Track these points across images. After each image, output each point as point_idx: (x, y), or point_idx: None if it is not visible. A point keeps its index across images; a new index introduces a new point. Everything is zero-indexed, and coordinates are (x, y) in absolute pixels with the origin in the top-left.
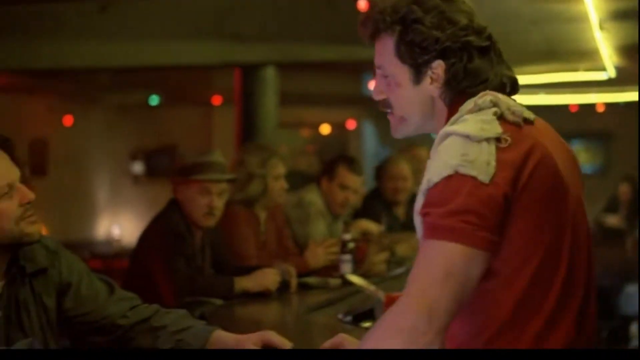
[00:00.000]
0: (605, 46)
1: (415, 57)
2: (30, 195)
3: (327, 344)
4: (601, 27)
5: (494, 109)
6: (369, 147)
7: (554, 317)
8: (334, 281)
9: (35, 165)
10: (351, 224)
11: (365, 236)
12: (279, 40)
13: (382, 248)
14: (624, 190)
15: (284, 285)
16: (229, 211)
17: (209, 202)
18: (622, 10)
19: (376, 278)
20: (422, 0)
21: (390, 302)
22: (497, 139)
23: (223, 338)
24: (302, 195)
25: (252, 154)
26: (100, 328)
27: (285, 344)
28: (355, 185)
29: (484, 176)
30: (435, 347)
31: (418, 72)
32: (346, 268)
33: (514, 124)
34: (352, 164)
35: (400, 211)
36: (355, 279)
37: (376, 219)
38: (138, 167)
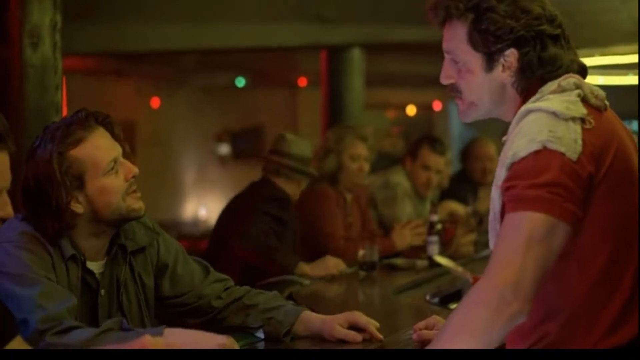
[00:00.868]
0: None
1: (489, 46)
2: (135, 170)
3: (421, 324)
4: None
5: (578, 91)
6: (455, 128)
7: (625, 310)
8: (421, 262)
9: None
10: (438, 206)
11: (452, 217)
12: (365, 21)
13: (470, 229)
14: None
15: (370, 266)
16: (318, 189)
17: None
18: None
19: (463, 259)
20: None
21: None
22: (582, 120)
23: (311, 318)
24: (389, 176)
25: (333, 131)
26: (194, 310)
27: (372, 324)
28: (438, 165)
29: (572, 153)
30: (523, 318)
31: (490, 60)
32: (434, 249)
33: (596, 108)
34: (435, 144)
35: (487, 192)
36: (442, 260)
37: (463, 200)
38: (224, 149)
